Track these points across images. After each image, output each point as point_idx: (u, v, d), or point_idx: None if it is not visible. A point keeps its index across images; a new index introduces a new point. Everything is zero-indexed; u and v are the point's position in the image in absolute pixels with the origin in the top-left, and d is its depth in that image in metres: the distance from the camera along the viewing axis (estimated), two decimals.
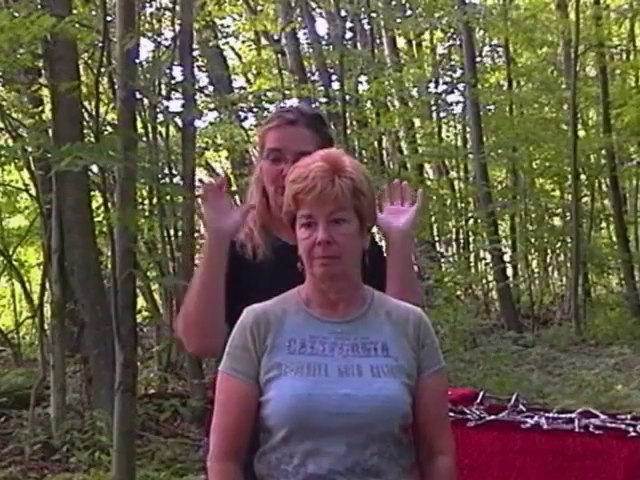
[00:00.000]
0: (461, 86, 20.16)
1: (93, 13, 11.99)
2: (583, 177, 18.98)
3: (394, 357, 2.31)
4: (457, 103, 21.54)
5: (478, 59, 20.35)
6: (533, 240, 21.96)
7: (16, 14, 8.76)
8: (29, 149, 10.79)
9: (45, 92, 10.82)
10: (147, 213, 12.73)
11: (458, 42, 20.05)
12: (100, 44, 10.34)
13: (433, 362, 2.37)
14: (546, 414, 3.06)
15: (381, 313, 2.40)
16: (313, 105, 17.34)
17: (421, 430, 2.32)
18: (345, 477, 2.20)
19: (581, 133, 19.04)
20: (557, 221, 21.90)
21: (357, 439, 2.22)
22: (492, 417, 3.04)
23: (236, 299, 2.59)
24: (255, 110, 17.06)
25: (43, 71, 10.77)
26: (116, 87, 10.23)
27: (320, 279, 2.33)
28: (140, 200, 12.04)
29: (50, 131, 10.29)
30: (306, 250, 2.31)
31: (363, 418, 2.21)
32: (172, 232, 12.44)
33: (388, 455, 2.26)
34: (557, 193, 21.76)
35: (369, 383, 2.25)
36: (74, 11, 11.09)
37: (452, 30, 20.44)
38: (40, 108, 10.86)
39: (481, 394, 3.23)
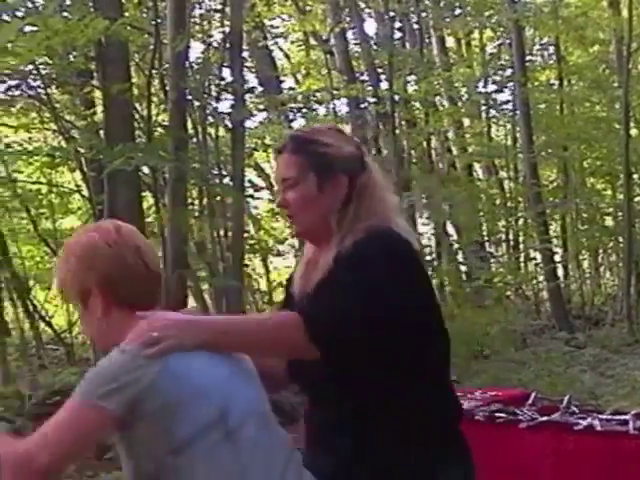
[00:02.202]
0: (511, 85, 20.05)
1: (144, 15, 12.09)
2: (635, 176, 18.77)
3: None
4: (507, 102, 21.42)
5: (528, 58, 20.22)
6: (584, 240, 21.77)
7: (69, 17, 8.85)
8: (81, 150, 10.91)
9: (97, 94, 10.93)
10: (197, 214, 12.82)
11: (508, 41, 19.93)
12: (151, 46, 10.48)
13: None
14: (599, 416, 3.04)
15: None
16: (362, 105, 17.40)
17: None
18: None
19: (633, 132, 18.80)
20: (609, 221, 21.69)
21: None
22: (544, 418, 3.03)
23: None
24: (304, 110, 17.14)
25: (95, 73, 10.88)
26: (167, 88, 10.32)
27: None
28: (190, 201, 12.11)
29: (102, 132, 10.40)
30: None
31: None
32: (222, 232, 12.51)
33: None
34: (609, 192, 21.55)
35: None
36: (126, 14, 11.19)
37: (502, 29, 20.32)
38: (92, 110, 10.97)
39: (533, 395, 3.22)
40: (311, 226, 2.66)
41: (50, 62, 10.77)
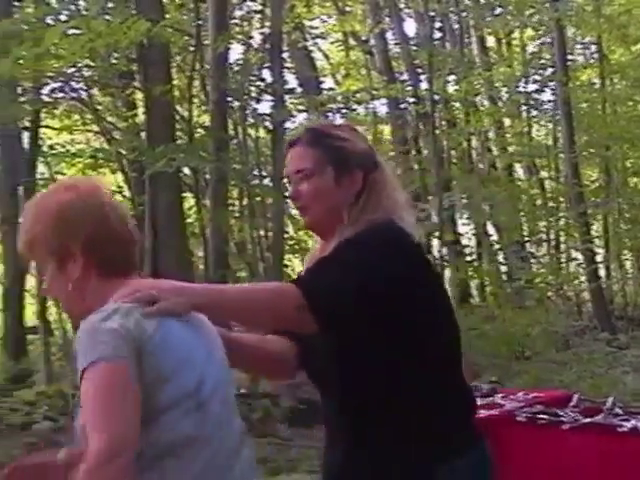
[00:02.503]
0: (552, 84, 19.96)
1: (185, 17, 12.17)
2: None
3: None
4: (548, 102, 21.33)
5: (569, 57, 20.10)
6: (627, 240, 21.64)
7: (111, 20, 8.93)
8: (123, 152, 11.00)
9: (139, 95, 11.02)
10: (237, 214, 12.87)
11: (549, 40, 19.82)
12: (192, 47, 10.56)
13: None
14: None
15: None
16: (401, 106, 17.39)
17: None
18: None
19: None
20: None
21: None
22: (588, 420, 3.00)
23: None
24: (344, 111, 17.14)
25: (137, 75, 10.96)
26: (208, 89, 10.37)
27: None
28: (230, 201, 12.16)
29: (143, 134, 10.48)
30: None
31: None
32: (262, 233, 12.55)
33: None
34: None
35: None
36: (167, 16, 11.26)
37: (543, 27, 20.21)
38: (134, 111, 11.07)
39: (575, 397, 3.20)
40: (323, 218, 2.65)
41: (92, 64, 10.86)
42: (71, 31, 9.08)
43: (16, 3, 11.85)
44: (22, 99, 10.85)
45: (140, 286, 2.23)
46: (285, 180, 2.78)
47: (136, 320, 2.09)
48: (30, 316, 12.17)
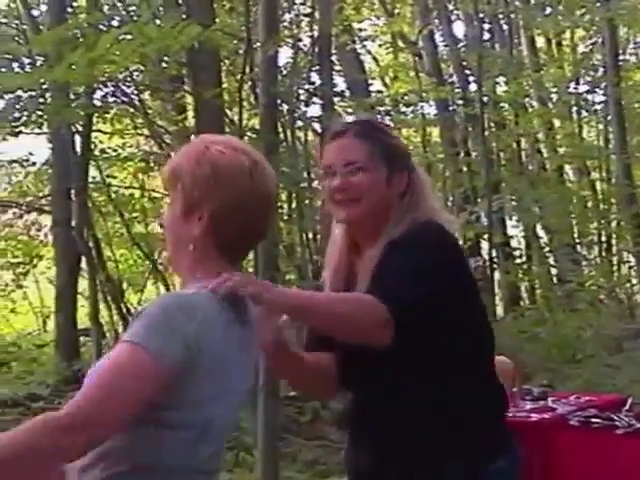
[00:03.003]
0: (603, 85, 19.82)
1: (235, 21, 12.22)
2: None
3: None
4: (599, 103, 21.17)
5: (621, 57, 19.93)
6: None
7: (162, 25, 8.99)
8: (173, 155, 11.08)
9: (189, 99, 11.08)
10: (286, 217, 12.91)
11: (600, 40, 19.67)
12: (241, 51, 10.60)
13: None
14: None
15: None
16: (450, 107, 17.33)
17: None
18: None
19: None
20: None
21: None
22: None
23: None
24: (392, 113, 17.12)
25: (187, 79, 11.03)
26: (257, 93, 10.41)
27: None
28: (279, 204, 12.20)
29: (193, 137, 10.54)
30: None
31: None
32: (311, 235, 12.57)
33: None
34: None
35: None
36: (217, 20, 11.33)
37: (594, 27, 20.06)
38: (184, 115, 11.14)
39: (630, 400, 3.19)
40: (370, 214, 2.61)
41: (143, 69, 10.95)
42: (123, 36, 9.16)
43: (69, 10, 11.97)
44: (74, 104, 10.95)
45: (233, 276, 2.16)
46: (324, 171, 2.73)
47: (201, 323, 2.03)
48: (82, 318, 12.27)
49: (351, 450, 2.76)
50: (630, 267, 19.67)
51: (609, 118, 19.34)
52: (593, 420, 2.97)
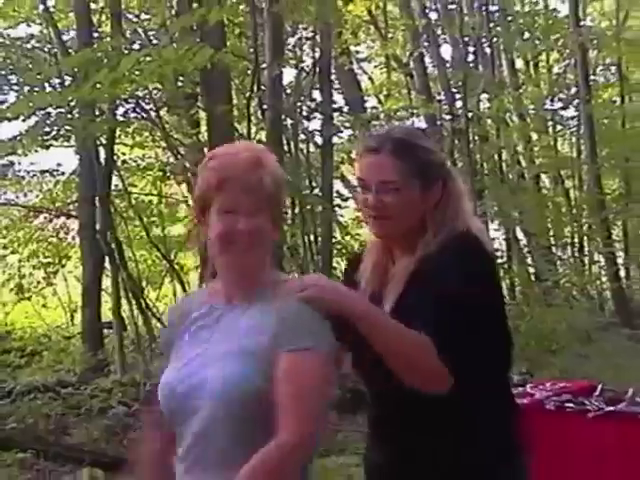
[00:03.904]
0: (576, 102, 19.80)
1: (244, 45, 12.21)
2: None
3: (254, 340, 2.07)
4: (572, 118, 21.16)
5: (592, 77, 19.92)
6: None
7: (178, 48, 8.99)
8: (188, 165, 11.06)
9: (202, 115, 11.06)
10: (290, 221, 12.89)
11: (573, 62, 19.66)
12: (250, 71, 10.60)
13: (289, 342, 2.04)
14: None
15: (267, 299, 2.15)
16: (438, 122, 17.32)
17: (276, 405, 2.04)
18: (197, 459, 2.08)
19: None
20: None
21: (207, 420, 2.05)
22: (611, 408, 2.99)
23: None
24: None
25: (200, 97, 11.01)
26: (264, 109, 10.40)
27: (226, 268, 2.18)
28: (285, 210, 12.20)
29: (206, 149, 10.53)
30: (216, 236, 2.12)
31: (209, 401, 2.04)
32: (312, 238, 12.55)
33: (237, 432, 2.03)
34: None
35: (220, 368, 2.05)
36: (228, 43, 11.31)
37: (567, 51, 20.06)
38: (197, 129, 11.12)
39: (599, 387, 3.18)
40: (402, 230, 2.44)
41: (161, 87, 10.93)
42: (143, 58, 9.15)
43: (95, 35, 11.98)
44: (99, 119, 10.95)
45: (309, 280, 2.19)
46: (359, 183, 2.50)
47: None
48: (106, 313, 12.27)
49: (375, 451, 2.56)
50: (600, 267, 19.67)
51: (581, 132, 19.33)
52: (567, 404, 2.97)
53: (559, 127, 22.01)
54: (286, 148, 12.07)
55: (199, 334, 2.17)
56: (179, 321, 2.25)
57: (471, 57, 18.72)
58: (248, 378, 2.03)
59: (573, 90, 20.13)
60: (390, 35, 19.22)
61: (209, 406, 2.04)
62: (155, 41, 11.44)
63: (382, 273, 2.51)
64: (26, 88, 12.81)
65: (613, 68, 21.37)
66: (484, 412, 2.41)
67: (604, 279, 18.91)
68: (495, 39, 18.89)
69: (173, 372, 2.15)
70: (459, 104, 16.73)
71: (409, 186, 2.40)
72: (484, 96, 18.22)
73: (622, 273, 19.16)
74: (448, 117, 16.63)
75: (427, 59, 17.88)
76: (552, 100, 21.17)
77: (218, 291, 2.23)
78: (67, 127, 11.99)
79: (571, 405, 3.00)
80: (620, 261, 19.46)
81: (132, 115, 12.42)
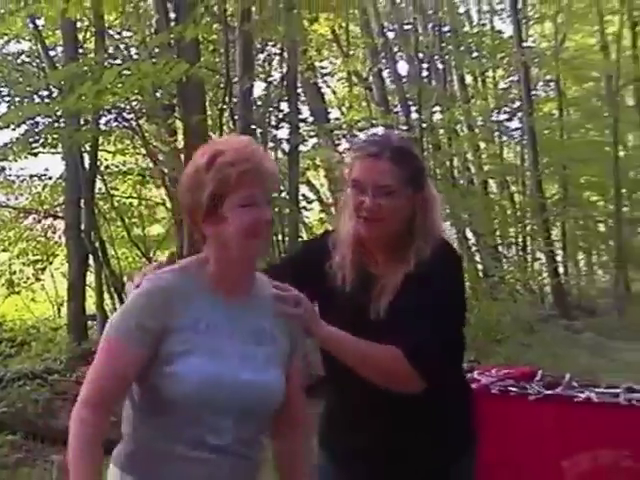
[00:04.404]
0: (519, 115, 19.95)
1: (217, 60, 12.15)
2: (624, 190, 18.57)
3: (279, 345, 2.10)
4: (516, 129, 21.33)
5: (533, 92, 20.08)
6: (581, 243, 21.61)
7: (157, 62, 8.94)
8: (165, 170, 10.99)
9: (179, 124, 10.99)
10: None
11: (517, 78, 19.82)
12: (222, 84, 10.55)
13: (300, 348, 2.17)
14: (595, 389, 3.01)
15: (265, 296, 2.12)
16: (396, 132, 17.34)
17: (287, 402, 2.12)
18: (234, 447, 2.03)
19: (621, 153, 18.62)
20: (601, 227, 21.49)
21: (246, 418, 2.03)
22: (549, 392, 3.01)
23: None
24: (347, 136, 17.12)
25: (177, 107, 10.94)
26: (235, 119, 10.35)
27: (241, 260, 2.05)
28: None
29: (182, 156, 10.47)
30: (244, 230, 1.98)
31: (254, 402, 2.02)
32: (280, 238, 12.53)
33: (264, 430, 2.14)
34: (601, 203, 21.35)
35: (263, 372, 2.04)
36: (202, 58, 11.26)
37: (511, 68, 20.21)
38: (174, 137, 11.05)
39: (539, 372, 3.20)
40: (391, 232, 2.40)
41: (141, 99, 10.85)
42: (124, 72, 9.08)
43: (80, 50, 11.91)
44: (84, 128, 10.87)
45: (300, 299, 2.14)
46: (354, 185, 2.42)
47: None
48: (90, 306, 12.18)
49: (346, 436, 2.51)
50: (541, 264, 19.85)
51: (524, 142, 19.49)
52: (510, 389, 2.97)
53: (504, 137, 22.19)
54: None
55: (218, 329, 2.04)
56: (168, 306, 2.00)
57: (425, 73, 18.76)
58: (282, 385, 2.10)
59: (517, 104, 20.28)
60: (351, 52, 19.23)
61: (254, 406, 2.05)
62: (135, 56, 11.34)
63: (365, 274, 2.43)
64: (16, 99, 12.76)
65: (552, 84, 21.58)
66: (450, 395, 2.41)
67: (545, 275, 19.08)
68: (447, 57, 19.01)
69: (212, 365, 2.00)
70: (414, 115, 16.80)
71: (402, 191, 2.38)
72: (437, 108, 18.29)
73: (561, 270, 19.33)
74: (404, 127, 16.67)
75: (385, 74, 17.93)
76: (498, 112, 21.31)
77: (212, 279, 2.07)
78: (54, 135, 11.95)
79: (514, 389, 3.01)
80: (559, 259, 19.64)
81: (114, 124, 12.33)
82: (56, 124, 11.91)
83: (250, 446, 2.08)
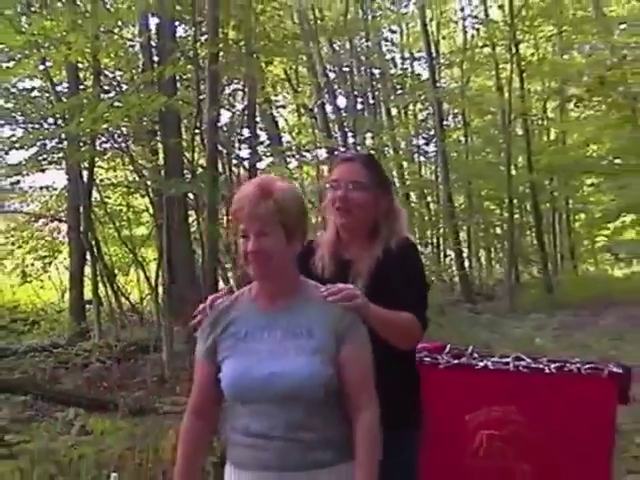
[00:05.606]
0: (434, 140, 20.14)
1: (190, 93, 12.05)
2: (515, 201, 18.85)
3: (317, 337, 1.96)
4: (432, 152, 21.55)
5: (445, 122, 20.29)
6: (482, 243, 21.91)
7: (142, 95, 8.86)
8: (149, 183, 10.87)
9: (160, 145, 10.89)
10: (225, 225, 12.77)
11: (431, 111, 20.01)
12: (194, 114, 10.45)
13: (353, 338, 1.99)
14: (491, 359, 3.04)
15: (311, 300, 2.04)
16: (335, 153, 17.39)
17: (345, 390, 1.98)
18: (280, 431, 1.94)
19: (513, 172, 18.91)
20: (498, 230, 21.80)
21: (285, 404, 1.93)
22: (456, 361, 3.03)
23: None
24: (296, 156, 17.11)
25: (158, 132, 10.85)
26: (205, 142, 10.27)
27: (254, 278, 2.05)
28: (220, 216, 12.08)
29: (163, 172, 10.38)
30: (240, 257, 2.03)
31: (287, 388, 1.91)
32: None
33: (315, 412, 1.95)
34: (497, 211, 21.65)
35: (293, 361, 1.93)
36: (178, 92, 11.19)
37: (427, 103, 20.40)
38: (156, 156, 10.94)
39: (448, 346, 3.22)
40: (358, 223, 2.40)
41: (129, 125, 10.73)
42: (115, 103, 9.01)
43: (81, 86, 11.88)
44: (83, 149, 10.78)
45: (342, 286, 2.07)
46: (330, 184, 2.44)
47: None
48: (88, 293, 12.04)
49: None
50: (451, 259, 20.06)
51: (438, 162, 19.66)
52: (425, 359, 2.99)
53: (422, 158, 22.39)
54: (221, 170, 11.95)
55: (255, 334, 2.01)
56: (214, 325, 2.08)
57: (359, 106, 18.89)
58: (321, 369, 1.94)
59: (432, 131, 20.47)
60: (300, 88, 19.23)
61: (289, 392, 1.93)
62: (125, 90, 11.18)
63: (341, 262, 2.42)
64: (29, 126, 13.01)
65: (459, 116, 21.82)
66: (413, 382, 2.50)
67: (454, 268, 19.28)
68: (376, 93, 19.09)
69: (243, 363, 1.98)
70: (350, 140, 16.85)
71: (371, 189, 2.40)
72: (368, 134, 18.40)
73: (466, 264, 19.56)
74: (342, 149, 16.73)
75: (327, 107, 17.96)
76: (417, 138, 21.51)
77: (257, 295, 2.08)
78: (59, 154, 12.01)
79: (427, 359, 3.02)
80: (465, 255, 19.89)
81: (107, 145, 12.20)
82: (60, 145, 11.87)
83: (299, 430, 1.93)
